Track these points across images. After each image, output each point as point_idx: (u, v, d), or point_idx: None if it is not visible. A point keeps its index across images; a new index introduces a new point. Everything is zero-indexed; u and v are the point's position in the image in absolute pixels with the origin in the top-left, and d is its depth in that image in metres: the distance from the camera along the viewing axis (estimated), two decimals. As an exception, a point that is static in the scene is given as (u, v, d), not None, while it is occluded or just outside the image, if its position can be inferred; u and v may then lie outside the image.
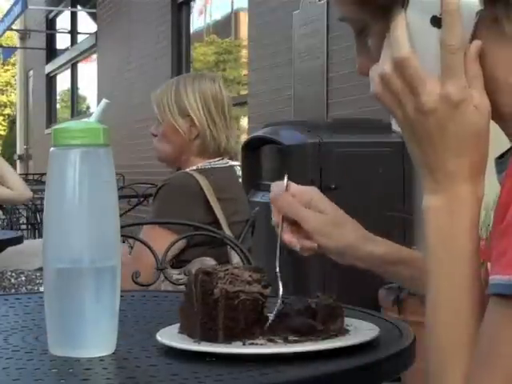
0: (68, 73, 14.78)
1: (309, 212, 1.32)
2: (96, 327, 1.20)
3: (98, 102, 11.92)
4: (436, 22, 0.93)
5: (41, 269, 1.34)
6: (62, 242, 1.21)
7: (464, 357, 0.90)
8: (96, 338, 1.21)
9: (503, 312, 0.84)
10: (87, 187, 1.20)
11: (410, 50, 0.92)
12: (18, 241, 3.49)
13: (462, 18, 0.91)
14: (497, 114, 0.96)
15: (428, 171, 0.95)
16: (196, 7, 9.11)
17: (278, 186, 1.34)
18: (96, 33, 12.09)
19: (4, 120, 27.87)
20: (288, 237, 1.32)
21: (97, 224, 1.21)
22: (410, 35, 0.93)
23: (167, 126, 2.69)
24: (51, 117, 15.59)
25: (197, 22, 9.17)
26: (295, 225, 1.32)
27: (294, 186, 1.34)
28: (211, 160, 2.68)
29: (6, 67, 26.87)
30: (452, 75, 0.92)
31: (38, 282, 3.25)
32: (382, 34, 0.96)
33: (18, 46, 18.45)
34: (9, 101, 27.95)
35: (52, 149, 1.21)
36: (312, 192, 1.35)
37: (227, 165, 2.74)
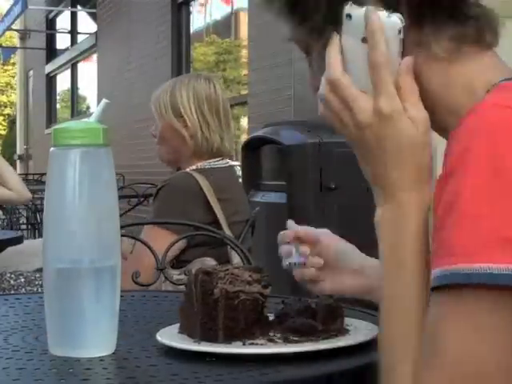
0: (68, 73, 14.79)
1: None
2: (96, 327, 1.20)
3: (98, 102, 11.92)
4: (366, 41, 0.98)
5: (40, 270, 1.34)
6: (62, 242, 1.21)
7: (412, 354, 0.91)
8: (96, 338, 1.21)
9: (439, 303, 0.85)
10: (87, 187, 1.20)
11: (340, 71, 0.98)
12: (18, 241, 3.49)
13: (384, 36, 0.96)
14: (437, 127, 1.00)
15: (375, 185, 0.99)
16: (196, 7, 9.11)
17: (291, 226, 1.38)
18: (96, 33, 12.10)
19: (4, 120, 27.88)
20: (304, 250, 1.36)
21: (96, 224, 1.21)
22: (345, 55, 0.99)
23: (163, 126, 2.70)
24: (51, 117, 15.59)
25: (197, 22, 9.17)
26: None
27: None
28: (211, 160, 2.68)
29: (5, 67, 26.88)
30: (381, 90, 0.96)
31: (37, 283, 3.26)
32: (322, 55, 1.01)
33: (17, 46, 18.46)
34: (9, 101, 27.97)
35: (52, 149, 1.21)
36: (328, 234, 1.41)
37: (227, 165, 2.74)
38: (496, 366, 0.82)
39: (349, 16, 0.99)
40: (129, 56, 10.30)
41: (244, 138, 7.15)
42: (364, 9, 0.98)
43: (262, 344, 1.17)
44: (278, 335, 1.19)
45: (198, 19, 9.16)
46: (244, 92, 7.64)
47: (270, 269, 1.30)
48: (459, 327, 0.83)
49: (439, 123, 1.00)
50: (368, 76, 0.97)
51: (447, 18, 0.97)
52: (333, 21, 0.99)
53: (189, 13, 9.04)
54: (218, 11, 8.88)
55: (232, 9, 8.50)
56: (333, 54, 0.99)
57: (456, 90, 0.98)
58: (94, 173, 1.20)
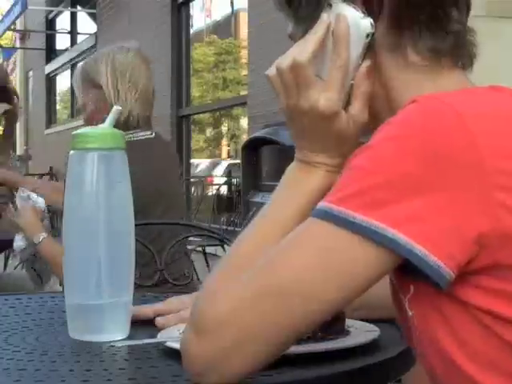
0: (68, 73, 14.78)
1: None
2: (112, 313, 1.31)
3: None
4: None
5: None
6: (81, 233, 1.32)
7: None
8: (111, 324, 1.31)
9: (304, 225, 0.93)
10: (104, 187, 1.30)
11: (308, 58, 1.02)
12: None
13: (349, 39, 1.00)
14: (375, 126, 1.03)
15: (297, 146, 1.09)
16: (196, 7, 9.11)
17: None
18: (96, 33, 12.10)
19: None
20: None
21: (113, 220, 1.31)
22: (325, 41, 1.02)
23: (85, 97, 2.64)
24: (51, 117, 15.60)
25: (197, 22, 9.17)
26: None
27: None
28: (130, 132, 2.55)
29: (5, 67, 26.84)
30: (327, 88, 1.02)
31: None
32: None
33: (17, 46, 18.46)
34: (9, 101, 27.93)
35: (71, 152, 1.31)
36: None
37: (147, 137, 2.64)
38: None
39: (329, 5, 1.02)
40: (129, 56, 10.30)
41: (244, 138, 7.15)
42: (342, 5, 1.01)
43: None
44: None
45: (198, 19, 9.16)
46: (244, 92, 7.64)
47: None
48: (306, 253, 0.91)
49: (375, 124, 1.03)
50: (327, 68, 1.02)
51: (426, 29, 1.00)
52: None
53: (189, 13, 9.04)
54: (218, 11, 8.88)
55: (232, 9, 8.50)
56: (312, 38, 1.03)
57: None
58: (110, 173, 1.31)
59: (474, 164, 0.86)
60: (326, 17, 1.02)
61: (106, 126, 1.34)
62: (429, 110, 0.90)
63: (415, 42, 1.00)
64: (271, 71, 1.06)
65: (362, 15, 1.00)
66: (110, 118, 1.34)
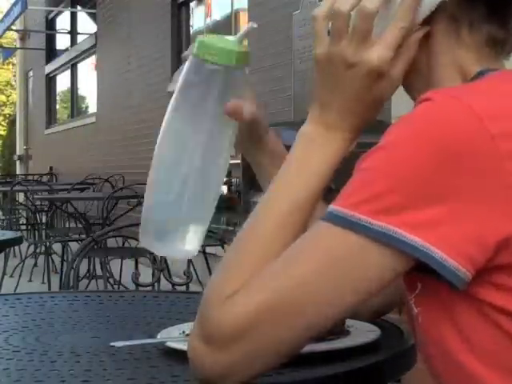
0: (68, 73, 14.78)
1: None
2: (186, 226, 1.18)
3: (98, 102, 11.92)
4: None
5: None
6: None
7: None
8: (185, 238, 1.18)
9: (315, 229, 0.91)
10: (213, 107, 1.17)
11: (377, 8, 0.95)
12: (17, 241, 3.48)
13: (418, 2, 0.95)
14: (407, 90, 1.02)
15: (319, 105, 1.01)
16: (196, 7, 9.10)
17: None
18: (96, 33, 12.09)
19: (4, 120, 27.88)
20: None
21: (211, 144, 1.19)
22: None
23: None
24: (51, 117, 15.59)
25: (197, 22, 9.17)
26: None
27: None
28: None
29: (5, 67, 26.87)
30: (384, 46, 0.95)
31: None
32: None
33: (17, 46, 18.45)
34: (9, 101, 27.96)
35: (190, 57, 1.17)
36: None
37: None
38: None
39: None
40: (129, 56, 10.30)
41: (244, 138, 7.14)
42: None
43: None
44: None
45: (198, 19, 9.16)
46: (244, 92, 7.64)
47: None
48: (316, 259, 0.89)
49: (409, 92, 1.02)
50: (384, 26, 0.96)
51: (486, 13, 0.96)
52: None
53: (189, 13, 9.04)
54: (218, 11, 8.88)
55: (232, 9, 8.49)
56: None
57: (456, 73, 0.98)
58: (224, 93, 1.17)
59: (493, 167, 0.84)
60: None
61: (235, 40, 1.19)
62: (445, 110, 0.87)
63: (472, 23, 0.97)
64: (322, 12, 0.98)
65: None
66: (242, 34, 1.20)
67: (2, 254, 6.14)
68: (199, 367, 0.94)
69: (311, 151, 1.01)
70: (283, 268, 0.91)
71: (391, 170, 0.87)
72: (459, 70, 0.98)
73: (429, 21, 0.97)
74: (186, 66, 1.17)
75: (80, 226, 6.84)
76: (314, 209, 1.00)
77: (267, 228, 0.98)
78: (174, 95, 1.17)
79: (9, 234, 4.02)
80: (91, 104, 13.92)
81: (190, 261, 2.59)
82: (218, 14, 8.94)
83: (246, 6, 7.25)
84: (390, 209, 0.86)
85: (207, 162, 1.18)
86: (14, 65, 23.01)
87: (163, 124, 1.17)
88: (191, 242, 1.18)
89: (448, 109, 0.87)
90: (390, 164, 0.87)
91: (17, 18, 14.58)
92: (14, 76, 20.45)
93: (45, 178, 12.41)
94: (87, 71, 13.68)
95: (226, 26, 8.86)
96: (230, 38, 1.20)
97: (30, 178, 12.27)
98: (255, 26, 1.19)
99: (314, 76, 1.01)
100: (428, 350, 0.96)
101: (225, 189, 7.92)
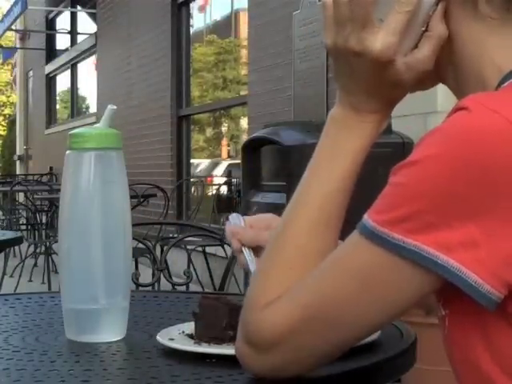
0: (68, 73, 14.77)
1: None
2: (108, 315, 1.30)
3: (98, 102, 11.92)
4: None
5: None
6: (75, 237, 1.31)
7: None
8: (108, 325, 1.30)
9: (351, 241, 0.90)
10: (100, 186, 1.30)
11: None
12: (17, 241, 3.48)
13: None
14: (453, 84, 0.99)
15: (344, 91, 1.00)
16: (196, 7, 9.10)
17: (234, 220, 1.32)
18: (96, 33, 12.09)
19: (4, 120, 27.87)
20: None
21: (108, 219, 1.31)
22: None
23: None
24: (51, 117, 15.58)
25: (197, 22, 9.17)
26: (254, 251, 1.30)
27: (249, 218, 1.33)
28: None
29: (6, 67, 26.87)
30: (387, 31, 0.93)
31: None
32: None
33: (17, 46, 18.44)
34: (9, 101, 27.94)
35: (68, 152, 1.31)
36: (267, 217, 1.34)
37: None
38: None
39: None
40: (129, 56, 10.29)
41: (244, 138, 7.15)
42: None
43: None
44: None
45: (198, 19, 9.16)
46: (244, 92, 7.64)
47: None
48: (352, 274, 0.89)
49: (456, 80, 0.98)
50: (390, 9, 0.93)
51: None
52: None
53: (189, 13, 9.04)
54: (218, 11, 8.88)
55: (232, 9, 8.49)
56: None
57: (484, 61, 0.95)
58: (106, 173, 1.31)
59: None
60: None
61: (102, 126, 1.33)
62: (482, 125, 0.83)
63: None
64: (328, 1, 0.96)
65: None
66: (106, 118, 1.33)
67: (2, 254, 6.14)
68: (248, 366, 0.99)
69: (342, 134, 1.00)
70: (318, 282, 0.93)
71: (424, 189, 0.84)
72: (477, 44, 0.94)
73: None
74: (64, 163, 1.31)
75: (80, 226, 6.82)
76: (348, 198, 1.00)
77: (301, 228, 0.99)
78: (63, 192, 1.31)
79: (9, 234, 4.02)
80: (91, 104, 13.92)
81: (190, 261, 2.59)
82: (218, 13, 8.94)
83: (246, 6, 7.24)
84: (423, 228, 0.84)
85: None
86: (14, 66, 22.99)
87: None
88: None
89: (485, 124, 0.83)
90: (423, 182, 0.84)
91: (17, 17, 14.56)
92: (14, 76, 20.46)
93: (45, 178, 12.40)
94: (87, 71, 13.67)
95: (226, 25, 8.86)
96: (98, 125, 1.33)
97: (30, 177, 12.27)
98: (114, 107, 1.33)
99: (333, 62, 1.00)
100: (452, 353, 0.95)
101: (225, 189, 7.93)
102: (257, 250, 1.28)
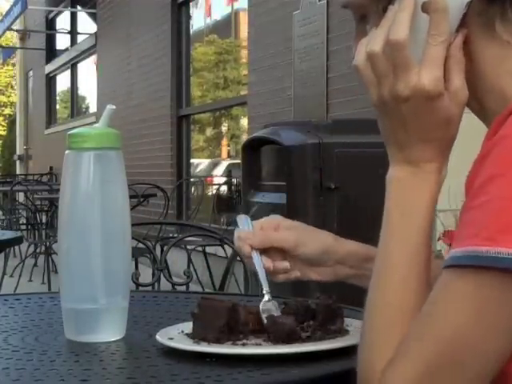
0: (68, 73, 14.78)
1: (283, 232, 1.32)
2: (107, 314, 1.30)
3: (98, 102, 11.92)
4: (426, 9, 0.93)
5: None
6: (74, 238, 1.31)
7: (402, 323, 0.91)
8: (107, 325, 1.30)
9: (447, 279, 0.85)
10: (100, 186, 1.30)
11: (407, 35, 0.92)
12: (17, 241, 3.48)
13: (448, 10, 0.92)
14: (476, 105, 0.98)
15: (396, 147, 0.97)
16: (196, 7, 9.10)
17: (242, 222, 1.32)
18: (96, 33, 12.09)
19: (4, 120, 27.88)
20: (266, 262, 1.30)
21: (107, 219, 1.31)
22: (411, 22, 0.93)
23: None
24: (51, 117, 15.59)
25: (197, 21, 9.17)
26: (265, 253, 1.31)
27: (259, 220, 1.34)
28: None
29: (6, 67, 26.87)
30: (430, 66, 0.92)
31: None
32: (381, 15, 0.96)
33: (17, 46, 18.45)
34: (9, 101, 27.95)
35: (67, 152, 1.31)
36: (276, 218, 1.35)
37: None
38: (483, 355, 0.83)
39: None
40: (129, 56, 10.29)
41: (244, 138, 7.15)
42: None
43: (261, 344, 1.17)
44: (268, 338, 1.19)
45: (198, 19, 9.16)
46: (244, 92, 7.64)
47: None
48: (463, 309, 0.83)
49: (479, 102, 0.97)
50: (422, 47, 0.93)
51: None
52: None
53: (189, 13, 9.04)
54: (218, 11, 8.88)
55: (232, 9, 8.49)
56: (405, 15, 0.92)
57: (507, 76, 0.94)
58: (106, 173, 1.31)
59: None
60: None
61: (101, 126, 1.33)
62: None
63: (504, 12, 0.92)
64: (360, 60, 0.95)
65: None
66: (105, 118, 1.34)
67: (2, 253, 6.13)
68: None
69: (409, 193, 0.96)
70: (430, 330, 0.86)
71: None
72: (497, 67, 0.94)
73: (461, 26, 0.94)
74: (63, 163, 1.31)
75: (80, 225, 6.82)
76: (431, 246, 0.96)
77: (395, 290, 0.94)
78: (62, 192, 1.31)
79: (9, 234, 4.02)
80: (91, 104, 13.92)
81: (190, 261, 2.59)
82: (218, 13, 8.94)
83: (245, 6, 7.25)
84: None
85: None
86: (13, 65, 23.00)
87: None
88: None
89: None
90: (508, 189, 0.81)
91: (17, 17, 14.58)
92: (13, 77, 20.44)
93: (45, 178, 12.40)
94: (87, 71, 13.68)
95: (226, 25, 8.86)
96: (97, 125, 1.34)
97: (30, 177, 12.27)
98: (113, 107, 1.34)
99: (379, 121, 0.98)
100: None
101: (225, 189, 7.93)
102: (266, 251, 1.30)
